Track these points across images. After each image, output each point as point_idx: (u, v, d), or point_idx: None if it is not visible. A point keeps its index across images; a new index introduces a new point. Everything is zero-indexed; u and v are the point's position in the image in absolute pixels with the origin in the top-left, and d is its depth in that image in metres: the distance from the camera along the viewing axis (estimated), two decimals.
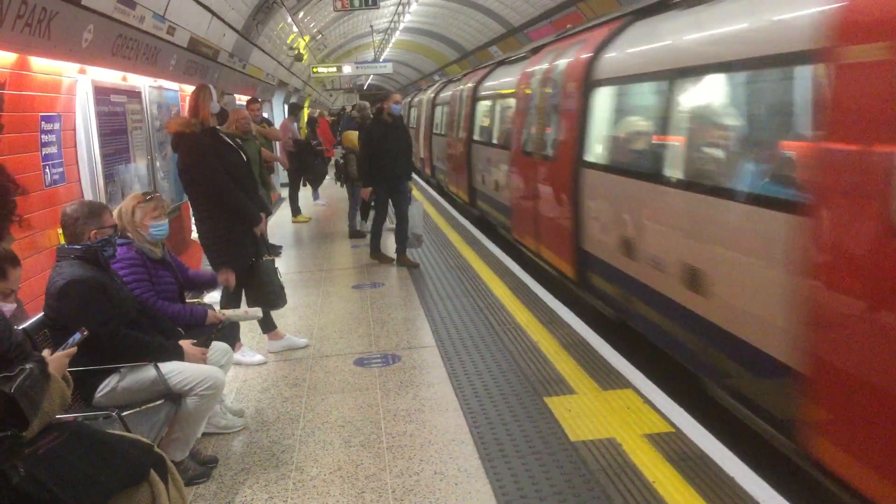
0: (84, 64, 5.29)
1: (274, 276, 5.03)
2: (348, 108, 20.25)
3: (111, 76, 6.00)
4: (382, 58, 35.41)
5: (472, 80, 12.55)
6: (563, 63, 6.89)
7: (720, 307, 3.97)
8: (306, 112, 20.97)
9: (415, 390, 4.48)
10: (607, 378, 4.46)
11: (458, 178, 12.70)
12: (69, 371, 2.64)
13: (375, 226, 8.18)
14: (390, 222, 8.49)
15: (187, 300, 4.23)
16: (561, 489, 3.22)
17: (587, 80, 6.08)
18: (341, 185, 10.82)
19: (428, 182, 17.13)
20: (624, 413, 3.95)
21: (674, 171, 4.55)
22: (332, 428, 4.02)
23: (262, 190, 6.93)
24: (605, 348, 5.00)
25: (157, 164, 7.06)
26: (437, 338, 5.43)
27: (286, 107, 15.33)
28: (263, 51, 13.98)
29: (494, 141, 10.03)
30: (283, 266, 7.30)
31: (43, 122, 4.66)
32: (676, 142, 4.59)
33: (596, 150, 6.04)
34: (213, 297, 5.32)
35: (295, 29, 17.53)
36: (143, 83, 6.79)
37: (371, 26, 29.27)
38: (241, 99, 11.44)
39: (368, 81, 50.41)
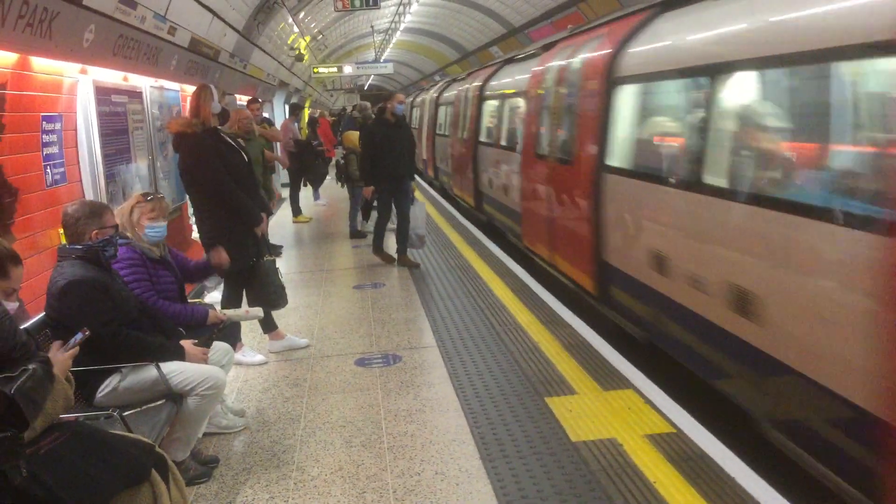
0: (85, 64, 5.29)
1: (275, 276, 5.04)
2: (349, 109, 20.23)
3: (112, 76, 6.00)
4: (383, 58, 35.44)
5: (478, 78, 12.04)
6: (581, 59, 6.34)
7: (777, 336, 3.46)
8: (307, 112, 20.99)
9: (416, 390, 4.48)
10: (608, 378, 4.46)
11: (463, 181, 12.28)
12: (70, 371, 2.64)
13: (379, 226, 8.17)
14: (392, 222, 8.50)
15: (189, 300, 4.23)
16: (562, 489, 3.21)
17: (610, 77, 5.53)
18: (342, 186, 10.83)
19: (431, 184, 16.91)
20: (625, 413, 3.95)
21: (721, 179, 4.00)
22: (333, 428, 4.02)
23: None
24: (605, 349, 5.00)
25: (158, 164, 7.06)
26: (438, 338, 5.43)
27: (287, 107, 15.33)
28: (264, 51, 13.98)
29: (503, 143, 9.56)
30: (284, 266, 7.31)
31: (44, 122, 4.66)
32: (725, 146, 4.06)
33: (622, 154, 5.46)
34: (213, 297, 5.33)
35: (296, 29, 17.53)
36: (144, 83, 6.79)
37: (372, 26, 29.29)
38: (242, 99, 11.44)
39: (369, 82, 50.42)
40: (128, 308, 3.43)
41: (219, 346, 3.85)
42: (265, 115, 11.39)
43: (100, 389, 3.32)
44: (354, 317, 6.20)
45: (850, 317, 2.97)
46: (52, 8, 4.23)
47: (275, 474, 3.55)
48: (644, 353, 5.05)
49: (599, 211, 5.64)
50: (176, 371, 3.40)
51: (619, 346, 5.04)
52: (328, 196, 14.12)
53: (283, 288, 5.10)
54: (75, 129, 5.21)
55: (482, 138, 10.91)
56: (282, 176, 12.37)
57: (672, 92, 4.94)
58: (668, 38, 5.07)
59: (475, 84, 11.84)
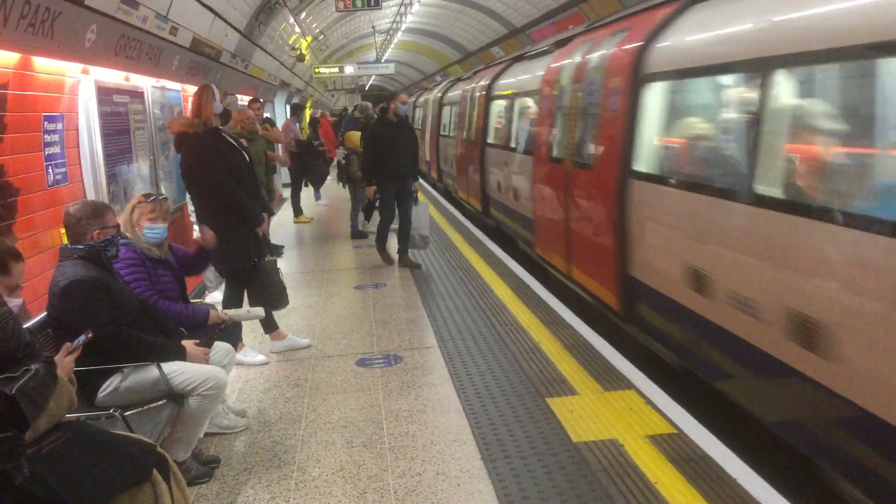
0: (87, 64, 5.30)
1: (276, 277, 5.04)
2: (350, 109, 20.24)
3: (114, 76, 6.00)
4: (384, 58, 35.48)
5: (484, 77, 11.49)
6: (603, 55, 5.76)
7: (850, 374, 2.98)
8: (308, 113, 21.00)
9: (417, 391, 4.48)
10: (609, 379, 4.46)
11: (468, 184, 11.77)
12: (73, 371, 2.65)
13: (382, 226, 8.14)
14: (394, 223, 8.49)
15: (190, 300, 4.23)
16: (563, 490, 3.21)
17: (638, 74, 4.98)
18: (343, 186, 10.83)
19: (434, 186, 16.76)
20: (626, 414, 3.94)
21: (784, 190, 3.48)
22: (334, 428, 4.02)
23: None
24: (606, 349, 5.00)
25: (160, 164, 7.06)
26: (440, 338, 5.43)
27: (288, 107, 15.34)
28: (266, 51, 13.99)
29: (513, 144, 8.97)
30: (285, 266, 7.31)
31: (46, 122, 4.66)
32: (785, 152, 3.55)
33: (653, 159, 4.90)
34: (214, 297, 5.33)
35: (297, 29, 17.54)
36: (145, 83, 6.79)
37: (373, 27, 29.33)
38: (243, 99, 11.45)
39: (370, 82, 50.46)
40: (129, 308, 3.43)
41: (220, 347, 3.85)
42: (267, 114, 11.40)
43: (101, 389, 3.33)
44: (356, 317, 6.20)
45: None
46: (53, 8, 4.23)
47: (276, 474, 3.55)
48: (677, 379, 4.66)
49: (625, 220, 5.07)
50: (177, 371, 3.40)
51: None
52: (329, 196, 14.13)
53: (284, 288, 5.11)
54: (77, 129, 5.21)
55: (490, 140, 10.41)
56: (283, 176, 12.39)
57: (716, 89, 4.32)
58: (708, 29, 4.46)
59: (482, 83, 11.38)
